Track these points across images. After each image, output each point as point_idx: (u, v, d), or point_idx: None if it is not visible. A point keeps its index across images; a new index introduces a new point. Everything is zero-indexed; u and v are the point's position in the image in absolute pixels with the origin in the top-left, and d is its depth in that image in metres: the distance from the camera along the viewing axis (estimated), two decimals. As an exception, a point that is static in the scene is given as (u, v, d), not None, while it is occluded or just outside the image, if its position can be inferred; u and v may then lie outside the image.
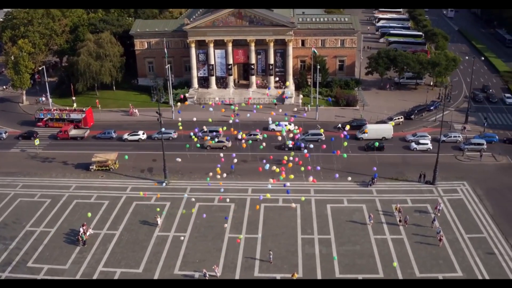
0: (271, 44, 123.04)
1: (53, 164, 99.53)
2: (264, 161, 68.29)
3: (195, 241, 75.04)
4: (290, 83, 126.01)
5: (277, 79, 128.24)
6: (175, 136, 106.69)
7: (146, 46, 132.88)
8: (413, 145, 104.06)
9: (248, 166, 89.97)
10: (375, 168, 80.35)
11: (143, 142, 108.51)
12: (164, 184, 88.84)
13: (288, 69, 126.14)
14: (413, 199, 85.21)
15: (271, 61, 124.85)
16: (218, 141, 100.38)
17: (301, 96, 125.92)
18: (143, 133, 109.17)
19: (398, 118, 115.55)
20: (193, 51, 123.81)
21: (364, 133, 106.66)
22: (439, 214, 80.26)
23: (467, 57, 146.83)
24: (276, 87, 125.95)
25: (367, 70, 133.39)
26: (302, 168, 69.82)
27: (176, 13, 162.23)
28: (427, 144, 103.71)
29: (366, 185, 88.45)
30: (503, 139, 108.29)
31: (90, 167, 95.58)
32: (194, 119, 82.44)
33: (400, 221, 78.16)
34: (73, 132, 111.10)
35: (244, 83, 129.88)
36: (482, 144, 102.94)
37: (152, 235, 76.69)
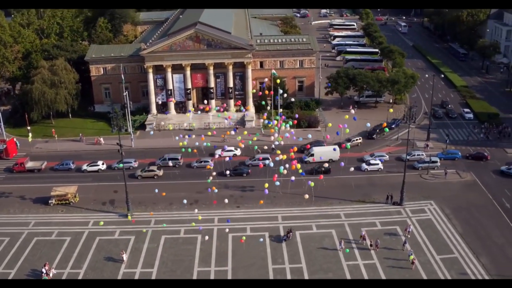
0: (230, 67, 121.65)
1: (10, 200, 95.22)
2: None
3: (163, 277, 72.43)
4: (250, 105, 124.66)
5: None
6: (136, 165, 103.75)
7: (102, 72, 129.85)
8: (364, 166, 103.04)
9: (211, 195, 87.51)
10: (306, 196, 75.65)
11: (103, 172, 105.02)
12: (128, 216, 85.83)
13: (248, 91, 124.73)
14: (382, 222, 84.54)
15: (231, 84, 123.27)
16: (149, 170, 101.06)
17: (261, 120, 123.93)
18: (103, 163, 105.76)
19: (356, 140, 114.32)
20: (150, 76, 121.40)
21: (311, 155, 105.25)
22: (409, 236, 79.70)
23: (427, 75, 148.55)
24: (236, 110, 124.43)
25: (327, 90, 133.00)
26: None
27: (130, 37, 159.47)
28: (377, 164, 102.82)
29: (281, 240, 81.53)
30: (465, 155, 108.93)
31: (49, 201, 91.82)
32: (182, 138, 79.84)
33: (371, 245, 77.15)
34: (30, 164, 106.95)
35: (202, 107, 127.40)
36: (436, 162, 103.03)
37: (118, 272, 73.68)
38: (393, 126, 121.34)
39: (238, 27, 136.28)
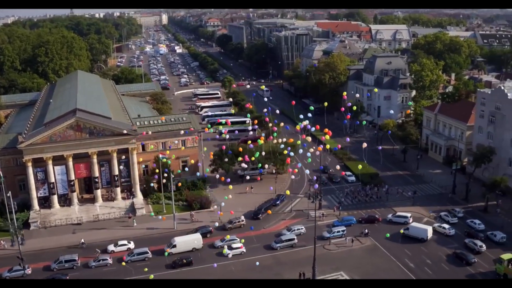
0: (114, 155, 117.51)
1: None
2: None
3: None
4: (137, 192, 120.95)
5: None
6: (29, 272, 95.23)
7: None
8: (227, 251, 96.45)
9: None
10: None
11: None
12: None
13: (134, 177, 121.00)
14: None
15: (116, 172, 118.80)
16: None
17: (150, 205, 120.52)
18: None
19: (238, 221, 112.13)
20: (30, 170, 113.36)
21: (173, 247, 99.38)
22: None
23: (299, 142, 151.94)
24: (123, 198, 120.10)
25: (212, 167, 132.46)
26: None
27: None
28: (238, 247, 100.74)
29: None
30: (358, 220, 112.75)
31: None
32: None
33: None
34: None
35: (88, 197, 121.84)
36: (293, 239, 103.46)
37: None
38: (278, 202, 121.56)
39: (114, 110, 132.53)
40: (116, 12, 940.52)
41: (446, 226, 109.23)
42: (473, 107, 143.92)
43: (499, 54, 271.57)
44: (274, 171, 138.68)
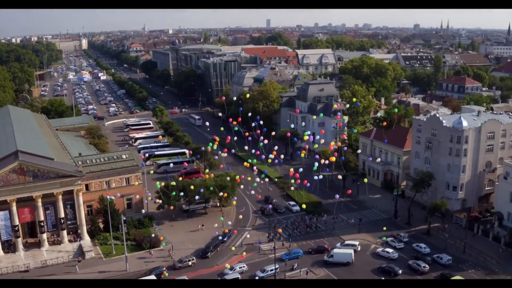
0: (60, 197, 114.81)
1: None
2: None
3: None
4: (84, 234, 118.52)
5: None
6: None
7: None
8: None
9: None
10: None
11: None
12: None
13: (80, 219, 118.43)
14: None
15: (62, 214, 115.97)
16: None
17: (98, 247, 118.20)
18: None
19: (188, 260, 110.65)
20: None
21: None
22: None
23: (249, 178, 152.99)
24: (70, 241, 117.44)
25: (158, 204, 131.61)
26: None
27: None
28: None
29: None
30: (308, 251, 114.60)
31: None
32: None
33: None
34: None
35: (33, 242, 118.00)
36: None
37: None
38: (225, 239, 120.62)
39: (54, 149, 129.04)
40: (34, 37, 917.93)
41: (390, 250, 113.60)
42: (407, 132, 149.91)
43: (422, 76, 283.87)
44: (218, 204, 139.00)
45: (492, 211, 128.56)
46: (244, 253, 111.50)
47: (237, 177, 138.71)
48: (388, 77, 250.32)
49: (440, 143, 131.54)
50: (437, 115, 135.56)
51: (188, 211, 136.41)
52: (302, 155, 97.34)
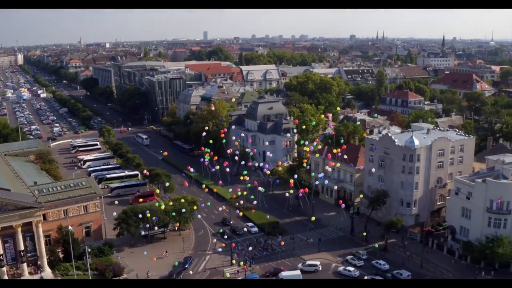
0: (19, 229, 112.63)
1: None
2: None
3: None
4: (45, 266, 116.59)
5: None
6: None
7: None
8: None
9: None
10: None
11: None
12: None
13: (40, 250, 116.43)
14: None
15: (21, 247, 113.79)
16: None
17: (59, 278, 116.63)
18: None
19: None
20: None
21: None
22: None
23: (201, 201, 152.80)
24: (30, 273, 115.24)
25: (118, 231, 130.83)
26: None
27: None
28: None
29: None
30: (265, 274, 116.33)
31: None
32: None
33: None
34: None
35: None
36: None
37: None
38: (186, 266, 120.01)
39: (8, 178, 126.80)
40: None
41: (351, 268, 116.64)
42: (359, 150, 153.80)
43: (366, 90, 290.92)
44: (176, 228, 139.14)
45: (444, 224, 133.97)
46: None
47: (195, 198, 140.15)
48: (333, 93, 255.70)
49: (393, 161, 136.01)
50: (389, 134, 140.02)
51: (147, 237, 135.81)
52: (241, 178, 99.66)
